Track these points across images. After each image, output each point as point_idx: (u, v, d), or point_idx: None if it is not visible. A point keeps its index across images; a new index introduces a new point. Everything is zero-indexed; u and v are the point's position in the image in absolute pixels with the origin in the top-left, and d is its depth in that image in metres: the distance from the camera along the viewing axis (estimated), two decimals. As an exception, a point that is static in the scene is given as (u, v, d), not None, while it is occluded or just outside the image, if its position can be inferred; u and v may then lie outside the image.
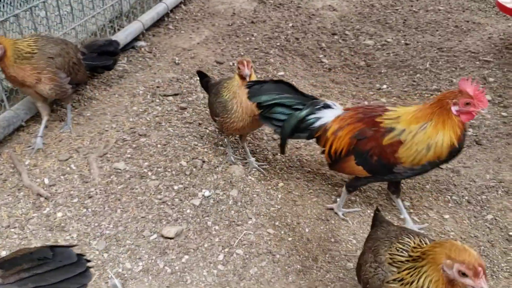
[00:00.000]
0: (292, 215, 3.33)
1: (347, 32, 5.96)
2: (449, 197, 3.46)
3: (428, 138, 2.77)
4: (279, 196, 3.50)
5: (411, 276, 1.99)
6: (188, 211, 3.36)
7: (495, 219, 3.25)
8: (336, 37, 5.85)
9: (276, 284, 2.86)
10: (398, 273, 2.06)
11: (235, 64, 3.46)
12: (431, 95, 4.61)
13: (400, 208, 3.20)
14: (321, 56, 5.44)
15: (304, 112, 3.25)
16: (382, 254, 2.18)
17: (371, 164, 2.98)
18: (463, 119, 2.74)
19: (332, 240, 3.15)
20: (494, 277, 2.85)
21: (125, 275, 2.88)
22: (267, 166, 3.77)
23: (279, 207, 3.40)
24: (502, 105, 4.40)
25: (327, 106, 3.25)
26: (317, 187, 3.57)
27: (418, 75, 4.96)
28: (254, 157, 3.82)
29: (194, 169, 3.71)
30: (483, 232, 3.16)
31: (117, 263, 2.95)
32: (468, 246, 1.90)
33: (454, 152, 2.83)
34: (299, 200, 3.47)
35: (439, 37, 5.69)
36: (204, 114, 4.33)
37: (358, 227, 3.24)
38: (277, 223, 3.27)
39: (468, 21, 6.04)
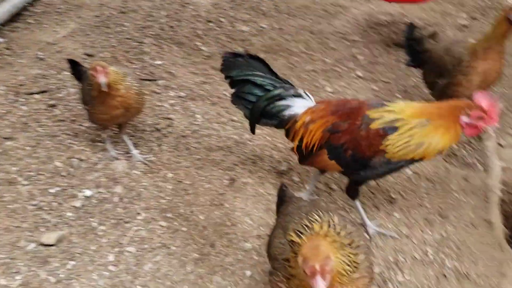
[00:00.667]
0: (184, 205, 3.20)
1: (221, 19, 5.91)
2: (334, 169, 3.57)
3: (425, 135, 2.65)
4: (169, 187, 3.34)
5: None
6: (68, 214, 3.06)
7: (377, 184, 3.42)
8: (211, 24, 5.77)
9: (174, 276, 2.72)
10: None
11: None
12: (308, 75, 4.75)
13: (359, 211, 3.05)
14: (198, 43, 5.32)
15: (272, 94, 3.03)
16: (291, 230, 2.09)
17: (344, 158, 2.82)
18: (467, 132, 2.66)
19: (228, 223, 3.08)
20: (383, 237, 2.99)
21: (0, 293, 2.53)
22: (153, 157, 3.57)
23: (170, 198, 3.25)
24: (372, 79, 4.68)
25: (298, 95, 3.04)
26: (207, 173, 3.47)
27: (294, 57, 5.08)
28: (137, 149, 3.60)
29: (71, 169, 3.40)
30: (368, 197, 3.31)
31: (-11, 280, 2.59)
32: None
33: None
34: (191, 188, 3.34)
35: (310, 20, 5.88)
36: (77, 110, 3.98)
37: (252, 207, 3.20)
38: (169, 215, 3.12)
39: (334, 5, 6.33)
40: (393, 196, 3.32)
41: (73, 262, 2.75)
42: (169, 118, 4.00)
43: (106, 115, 3.29)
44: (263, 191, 3.34)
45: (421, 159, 2.73)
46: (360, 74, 4.74)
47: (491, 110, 2.57)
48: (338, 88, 4.53)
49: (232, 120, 4.03)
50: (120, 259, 2.80)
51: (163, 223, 3.05)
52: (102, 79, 3.02)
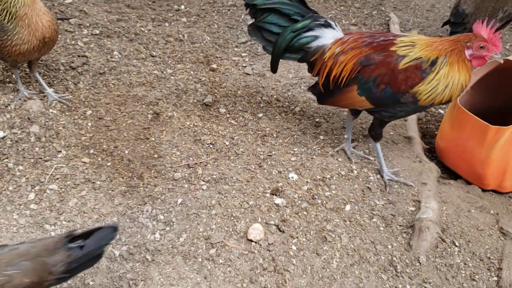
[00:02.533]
0: (107, 141, 3.07)
1: (134, -43, 5.58)
2: (259, 98, 3.57)
3: (447, 76, 2.53)
4: (89, 124, 3.18)
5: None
6: (-20, 157, 2.84)
7: (302, 110, 3.48)
8: (123, -38, 5.43)
9: (102, 209, 2.63)
10: None
11: None
12: (228, 10, 4.65)
13: (379, 155, 2.94)
14: (110, -18, 5.00)
15: (300, 24, 2.78)
16: None
17: (376, 93, 2.64)
18: (475, 64, 2.54)
19: (156, 156, 3.00)
20: (310, 158, 3.06)
21: None
22: (70, 96, 3.37)
23: (91, 135, 3.10)
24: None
25: (327, 25, 2.80)
26: (130, 109, 3.34)
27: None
28: (52, 89, 3.37)
29: (-23, 112, 3.13)
30: (294, 123, 3.36)
31: None
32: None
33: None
34: (113, 124, 3.20)
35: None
36: (-20, 50, 3.64)
37: (180, 139, 3.14)
38: (91, 151, 2.98)
39: None
40: (317, 120, 3.38)
41: (-11, 204, 2.58)
42: (84, 56, 3.77)
43: (23, 46, 2.93)
44: (190, 123, 3.27)
45: (448, 101, 2.65)
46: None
47: (491, 37, 2.48)
48: (260, 22, 4.47)
49: (152, 56, 3.88)
50: (42, 197, 2.65)
51: (86, 160, 2.91)
52: None
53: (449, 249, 2.59)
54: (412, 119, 3.43)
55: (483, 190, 3.04)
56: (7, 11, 2.86)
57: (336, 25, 2.85)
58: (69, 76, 3.58)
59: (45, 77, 3.52)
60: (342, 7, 4.80)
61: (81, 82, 3.53)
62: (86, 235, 1.96)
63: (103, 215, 2.60)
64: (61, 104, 3.29)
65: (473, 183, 3.08)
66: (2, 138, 2.97)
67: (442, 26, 4.22)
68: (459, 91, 2.60)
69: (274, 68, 3.07)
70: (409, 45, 2.61)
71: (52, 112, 3.22)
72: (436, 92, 2.56)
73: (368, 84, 2.66)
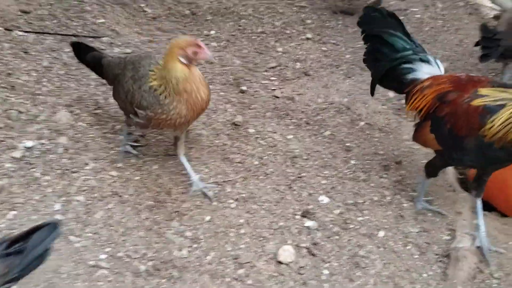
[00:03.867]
0: (135, 155, 3.03)
1: (166, -17, 5.70)
2: (289, 121, 3.53)
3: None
4: (119, 138, 3.15)
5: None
6: (7, 165, 2.81)
7: (332, 134, 3.42)
8: (155, -13, 5.55)
9: (128, 223, 2.57)
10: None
11: (171, 44, 2.55)
12: (258, 36, 4.67)
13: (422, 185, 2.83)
14: (142, 5, 5.08)
15: (399, 55, 2.76)
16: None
17: (443, 133, 2.50)
18: None
19: (184, 172, 2.94)
20: (341, 182, 2.98)
21: None
22: (218, 188, 2.90)
23: (119, 149, 3.06)
24: (321, 42, 4.68)
25: (426, 61, 2.73)
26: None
27: (243, 20, 4.98)
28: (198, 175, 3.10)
29: (9, 121, 3.12)
30: (324, 146, 3.30)
31: None
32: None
33: None
34: (142, 140, 3.18)
35: (257, -13, 5.81)
36: (13, 63, 3.68)
37: (208, 156, 3.09)
38: (120, 165, 2.94)
39: (280, -26, 6.30)
40: (348, 145, 3.32)
41: (14, 212, 2.53)
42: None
43: (178, 120, 2.59)
44: (219, 141, 3.23)
45: None
46: (309, 36, 4.72)
47: None
48: (289, 49, 4.49)
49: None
50: (68, 208, 2.60)
51: (114, 173, 2.87)
52: (209, 52, 2.51)
53: (487, 281, 2.46)
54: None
55: (520, 223, 2.92)
56: (165, 87, 2.53)
57: (435, 62, 2.76)
58: (99, 92, 3.58)
59: (75, 91, 3.53)
60: (370, 38, 4.80)
61: (111, 98, 3.53)
62: (25, 236, 1.75)
63: (130, 228, 2.54)
64: (91, 117, 3.27)
65: (509, 215, 2.96)
66: (30, 148, 2.94)
67: (475, 46, 4.11)
68: None
69: (371, 92, 3.08)
70: (499, 91, 2.39)
71: (81, 125, 3.20)
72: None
73: (438, 121, 2.53)
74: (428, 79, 2.66)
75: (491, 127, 2.30)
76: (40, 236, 1.76)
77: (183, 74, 2.48)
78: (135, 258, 2.37)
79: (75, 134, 3.11)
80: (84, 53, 3.15)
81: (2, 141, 2.96)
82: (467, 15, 5.20)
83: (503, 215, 2.98)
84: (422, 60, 2.74)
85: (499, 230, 2.79)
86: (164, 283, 2.27)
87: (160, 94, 2.53)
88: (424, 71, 2.72)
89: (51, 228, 1.80)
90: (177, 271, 2.33)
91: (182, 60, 2.47)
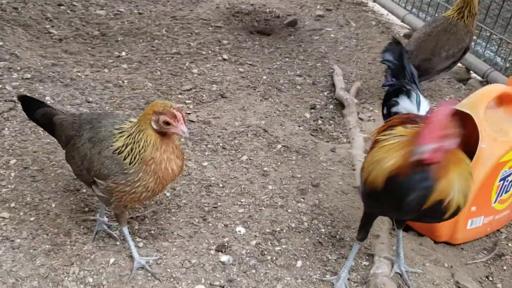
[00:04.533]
0: (32, 193, 2.75)
1: (75, 3, 5.40)
2: (204, 146, 3.38)
3: None
4: (12, 174, 2.85)
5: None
6: None
7: (250, 158, 3.31)
8: (63, 7, 5.24)
9: (20, 271, 2.28)
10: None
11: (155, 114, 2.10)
12: (172, 57, 4.51)
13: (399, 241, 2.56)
14: (48, 26, 4.77)
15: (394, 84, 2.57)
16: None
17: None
18: None
19: (86, 209, 2.70)
20: (258, 209, 2.87)
21: None
22: (158, 257, 2.54)
23: (13, 186, 2.76)
24: (238, 62, 4.59)
25: (408, 95, 2.47)
26: (60, 158, 3.04)
27: (156, 41, 4.80)
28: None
29: None
30: (241, 172, 3.17)
31: None
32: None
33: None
34: (40, 175, 2.89)
35: (171, 7, 5.65)
36: None
37: (114, 190, 2.85)
38: (13, 205, 2.65)
39: (196, -6, 6.20)
40: (265, 169, 3.22)
41: None
42: (12, 101, 3.46)
43: (143, 194, 2.21)
44: (127, 172, 3.00)
45: None
46: (225, 57, 4.63)
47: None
48: (205, 70, 4.37)
49: (88, 101, 3.64)
50: None
51: (6, 214, 2.57)
52: (183, 128, 2.09)
53: (406, 308, 2.42)
54: (359, 169, 3.33)
55: (435, 242, 2.94)
56: (131, 150, 2.15)
57: (416, 98, 2.47)
58: (-5, 123, 3.25)
59: (-36, 122, 3.18)
60: (287, 59, 4.79)
61: (6, 129, 3.21)
62: None
63: (22, 278, 2.25)
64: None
65: (424, 234, 2.98)
66: None
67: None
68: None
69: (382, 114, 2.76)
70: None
71: (-31, 161, 2.86)
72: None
73: None
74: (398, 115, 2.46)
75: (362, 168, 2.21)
76: None
77: (153, 141, 2.13)
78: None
79: (-39, 171, 2.77)
80: (33, 108, 2.63)
81: None
82: (379, 34, 5.36)
83: (419, 234, 2.99)
84: (405, 94, 2.53)
85: (416, 251, 2.79)
86: None
87: (124, 160, 2.15)
88: (403, 106, 2.52)
89: None
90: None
91: (154, 126, 2.12)
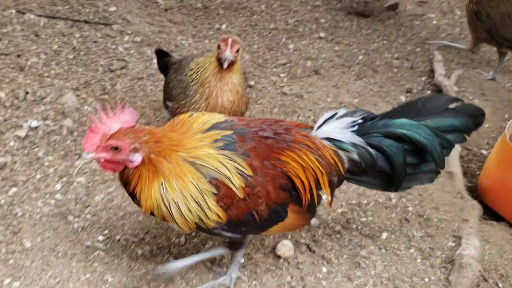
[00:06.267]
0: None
1: (181, -24, 5.68)
2: (296, 118, 3.48)
3: None
4: (123, 124, 3.12)
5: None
6: (11, 143, 2.79)
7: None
8: (170, -20, 5.53)
9: (128, 207, 2.52)
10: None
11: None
12: (270, 33, 4.64)
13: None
14: (155, -4, 5.08)
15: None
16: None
17: None
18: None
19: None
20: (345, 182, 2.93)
21: None
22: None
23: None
24: (334, 41, 4.63)
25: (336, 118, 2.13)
26: (164, 115, 3.28)
27: (255, 16, 4.95)
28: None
29: (15, 101, 3.11)
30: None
31: None
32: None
33: None
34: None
35: (272, -15, 5.77)
36: (23, 45, 3.67)
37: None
38: (123, 151, 2.91)
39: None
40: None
41: (15, 189, 2.51)
42: (123, 60, 3.77)
43: None
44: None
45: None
46: (322, 35, 4.68)
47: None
48: (300, 47, 4.45)
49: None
50: (68, 189, 2.57)
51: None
52: (227, 54, 2.32)
53: (491, 290, 2.39)
54: (455, 154, 3.29)
55: (528, 233, 2.84)
56: (196, 72, 2.50)
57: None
58: (107, 78, 3.56)
59: (83, 75, 3.51)
60: (385, 41, 4.75)
61: (118, 84, 3.51)
62: None
63: (129, 213, 2.50)
64: (96, 102, 3.25)
65: (517, 225, 2.89)
66: (35, 128, 2.92)
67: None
68: None
69: None
70: None
71: (87, 109, 3.18)
72: None
73: None
74: None
75: None
76: None
77: (214, 67, 2.42)
78: (133, 242, 2.33)
79: (81, 117, 3.09)
80: (162, 58, 3.11)
81: (8, 119, 2.95)
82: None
83: (511, 225, 2.91)
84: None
85: (506, 240, 2.72)
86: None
87: (189, 81, 2.49)
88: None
89: None
90: (174, 257, 2.28)
91: (216, 52, 2.41)
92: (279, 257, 2.36)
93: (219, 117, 1.95)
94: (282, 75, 4.01)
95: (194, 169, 1.76)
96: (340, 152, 2.03)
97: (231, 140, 1.83)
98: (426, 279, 2.39)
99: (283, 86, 3.83)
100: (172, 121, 1.95)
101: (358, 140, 2.03)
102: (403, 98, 3.90)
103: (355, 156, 2.04)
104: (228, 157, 1.79)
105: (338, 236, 2.55)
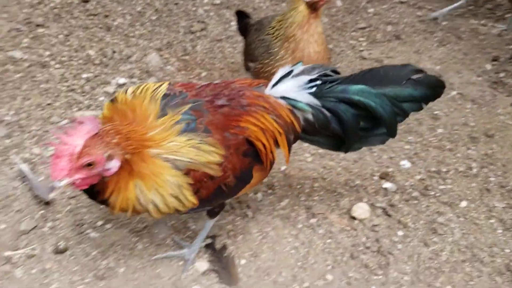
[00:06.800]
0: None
1: None
2: (375, 83, 3.41)
3: None
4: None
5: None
6: (101, 98, 2.97)
7: (420, 100, 3.26)
8: None
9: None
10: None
11: None
12: (350, -3, 4.52)
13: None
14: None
15: None
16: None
17: None
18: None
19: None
20: (425, 149, 2.86)
21: (34, 160, 2.48)
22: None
23: (203, 94, 3.13)
24: (416, 6, 4.44)
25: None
26: (243, 76, 3.33)
27: (335, -20, 4.83)
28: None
29: (104, 59, 3.28)
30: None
31: (22, 149, 2.53)
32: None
33: None
34: (225, 88, 3.21)
35: None
36: (110, 6, 3.84)
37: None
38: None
39: None
40: (436, 113, 3.16)
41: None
42: (203, 22, 3.84)
43: None
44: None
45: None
46: (403, 0, 4.50)
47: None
48: (381, 11, 4.31)
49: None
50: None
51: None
52: None
53: None
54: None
55: None
56: (278, 29, 2.46)
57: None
58: (187, 39, 3.66)
59: (165, 36, 3.63)
60: (471, 7, 4.49)
61: (198, 46, 3.60)
62: None
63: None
64: (178, 63, 3.36)
65: None
66: (122, 85, 3.08)
67: None
68: None
69: None
70: None
71: (169, 69, 3.30)
72: None
73: None
74: None
75: None
76: None
77: (300, 17, 2.35)
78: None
79: (164, 76, 3.21)
80: (242, 20, 3.10)
81: (97, 76, 3.12)
82: None
83: None
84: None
85: None
86: (238, 220, 2.32)
87: (272, 40, 2.47)
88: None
89: None
90: (251, 211, 2.36)
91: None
92: (354, 218, 2.38)
93: (162, 88, 1.82)
94: (361, 39, 3.92)
95: (169, 165, 1.66)
96: (295, 111, 2.00)
97: (191, 118, 1.74)
98: (507, 250, 2.31)
99: (362, 51, 3.75)
100: (115, 107, 1.79)
101: (314, 102, 1.98)
102: (488, 67, 3.70)
103: (309, 116, 2.00)
104: (198, 141, 1.71)
105: (415, 202, 2.51)
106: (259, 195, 2.46)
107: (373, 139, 2.16)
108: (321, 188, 2.55)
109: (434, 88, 2.05)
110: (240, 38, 3.61)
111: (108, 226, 2.22)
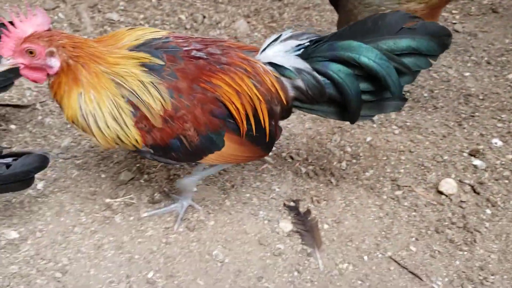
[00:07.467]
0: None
1: None
2: (468, 58, 3.27)
3: None
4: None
5: None
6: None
7: (517, 77, 3.11)
8: None
9: (293, 129, 2.66)
10: None
11: None
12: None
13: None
14: None
15: None
16: None
17: None
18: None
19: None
20: (519, 127, 2.74)
21: None
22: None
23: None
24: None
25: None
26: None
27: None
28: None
29: (194, 23, 3.38)
30: (505, 89, 3.02)
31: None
32: None
33: None
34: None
35: None
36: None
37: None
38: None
39: None
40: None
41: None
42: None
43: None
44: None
45: None
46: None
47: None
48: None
49: None
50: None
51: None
52: None
53: None
54: None
55: None
56: None
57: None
58: (275, 6, 3.67)
59: (253, 3, 3.66)
60: None
61: (285, 13, 3.60)
62: (15, 155, 1.91)
63: (294, 134, 2.64)
64: (266, 29, 3.39)
65: None
66: (211, 49, 3.17)
67: None
68: None
69: None
70: None
71: (256, 35, 3.34)
72: None
73: None
74: None
75: None
76: (26, 162, 1.89)
77: None
78: (297, 160, 2.48)
79: (251, 42, 3.26)
80: None
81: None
82: None
83: None
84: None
85: None
86: (322, 187, 2.36)
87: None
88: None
89: (38, 158, 1.92)
90: (335, 179, 2.39)
91: None
92: (441, 193, 2.34)
93: (158, 33, 1.81)
94: (454, 11, 3.75)
95: (114, 85, 1.67)
96: (283, 79, 1.84)
97: (159, 60, 1.70)
98: None
99: (455, 23, 3.59)
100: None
101: (302, 65, 1.80)
102: None
103: (299, 83, 1.83)
104: (148, 80, 1.67)
105: (506, 181, 2.43)
106: (344, 164, 2.47)
107: (384, 105, 1.91)
108: (408, 161, 2.52)
109: (437, 36, 1.76)
110: (328, 6, 3.59)
111: (199, 182, 2.33)
